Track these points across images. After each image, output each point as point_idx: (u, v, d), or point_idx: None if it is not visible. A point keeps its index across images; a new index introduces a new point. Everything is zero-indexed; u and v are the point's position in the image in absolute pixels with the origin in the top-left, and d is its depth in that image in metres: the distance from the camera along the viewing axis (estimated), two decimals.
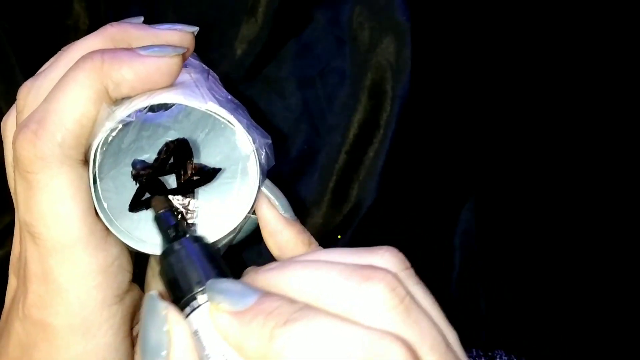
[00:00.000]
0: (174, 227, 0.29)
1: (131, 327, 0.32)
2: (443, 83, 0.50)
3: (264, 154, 0.30)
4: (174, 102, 0.28)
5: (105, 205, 0.29)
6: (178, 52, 0.29)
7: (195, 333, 0.25)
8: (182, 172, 0.31)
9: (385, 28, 0.48)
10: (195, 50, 0.33)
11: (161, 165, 0.31)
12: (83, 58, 0.29)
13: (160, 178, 0.32)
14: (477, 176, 0.50)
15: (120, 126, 0.28)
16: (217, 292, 0.25)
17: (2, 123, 0.33)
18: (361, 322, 0.23)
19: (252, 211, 0.31)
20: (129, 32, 0.31)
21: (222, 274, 0.27)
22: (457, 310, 0.48)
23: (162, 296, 0.26)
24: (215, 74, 0.36)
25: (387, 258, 0.27)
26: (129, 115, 0.28)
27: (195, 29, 0.32)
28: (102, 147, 0.29)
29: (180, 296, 0.27)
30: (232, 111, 0.29)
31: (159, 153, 0.31)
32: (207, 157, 0.32)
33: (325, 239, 0.47)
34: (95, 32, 0.31)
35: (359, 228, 0.47)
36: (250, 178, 0.30)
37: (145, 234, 0.31)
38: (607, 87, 0.51)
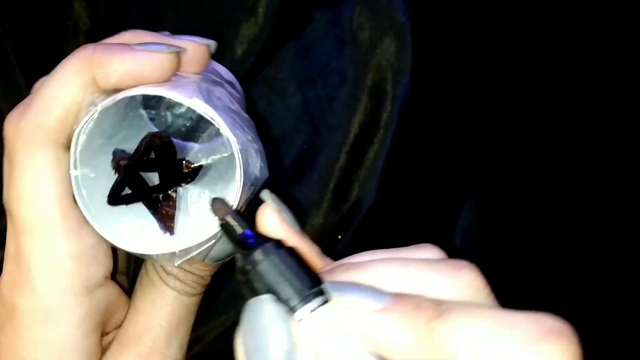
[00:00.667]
0: (250, 234, 0.25)
1: (99, 325, 0.31)
2: (443, 83, 0.50)
3: (258, 164, 0.30)
4: (156, 94, 0.28)
5: (84, 192, 0.29)
6: (173, 50, 0.29)
7: (318, 337, 0.22)
8: (163, 169, 0.31)
9: (386, 28, 0.48)
10: None
11: (140, 156, 0.30)
12: (78, 48, 0.29)
13: (143, 175, 0.31)
14: (477, 176, 0.50)
15: (100, 109, 0.28)
16: (349, 291, 0.22)
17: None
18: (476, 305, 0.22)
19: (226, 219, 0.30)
20: (142, 38, 0.31)
21: (318, 278, 0.24)
22: None
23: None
24: (239, 90, 0.36)
25: (437, 252, 0.25)
26: (114, 105, 0.28)
27: (209, 41, 0.32)
28: (83, 133, 0.28)
29: (286, 301, 0.23)
30: (222, 112, 0.29)
31: (139, 143, 0.30)
32: (195, 156, 0.32)
33: (326, 239, 0.47)
34: (111, 38, 0.31)
35: (359, 228, 0.47)
36: (235, 181, 0.29)
37: (123, 228, 0.30)
38: (607, 87, 0.51)
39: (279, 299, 0.23)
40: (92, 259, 0.30)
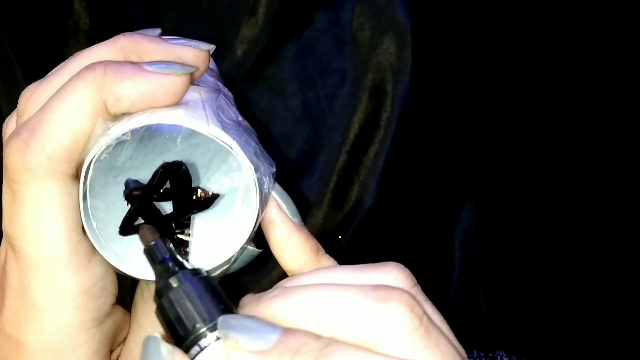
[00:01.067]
0: (168, 260, 0.26)
1: (109, 352, 0.30)
2: (444, 83, 0.50)
3: (266, 183, 0.29)
4: (174, 122, 0.27)
5: (94, 224, 0.28)
6: (186, 71, 0.28)
7: None
8: (178, 198, 0.30)
9: (386, 28, 0.48)
10: None
11: (155, 187, 0.29)
12: (85, 68, 0.27)
13: (155, 203, 0.30)
14: (477, 176, 0.50)
15: (114, 143, 0.27)
16: (233, 329, 0.23)
17: (3, 126, 0.31)
18: (385, 348, 0.22)
19: (250, 241, 0.30)
20: (141, 44, 0.29)
21: (228, 309, 0.25)
22: (458, 311, 0.48)
23: (163, 338, 0.24)
24: (229, 92, 0.35)
25: (395, 275, 0.25)
26: (124, 134, 0.27)
27: (212, 47, 0.30)
28: (94, 164, 0.27)
29: (184, 336, 0.24)
30: (237, 136, 0.28)
31: (154, 174, 0.29)
32: (207, 181, 0.31)
33: (326, 239, 0.47)
34: (106, 41, 0.29)
35: (359, 228, 0.47)
36: (251, 207, 0.29)
37: (134, 256, 0.29)
38: (607, 87, 0.51)
39: (180, 331, 0.24)
40: (102, 290, 0.29)
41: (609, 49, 0.52)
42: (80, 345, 0.28)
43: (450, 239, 0.50)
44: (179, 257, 0.27)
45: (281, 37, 0.49)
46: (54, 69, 0.31)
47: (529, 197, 0.50)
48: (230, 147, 0.27)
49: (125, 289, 0.33)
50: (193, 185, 0.30)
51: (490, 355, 0.46)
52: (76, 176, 0.28)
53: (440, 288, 0.48)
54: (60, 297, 0.28)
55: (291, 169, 0.47)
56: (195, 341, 0.24)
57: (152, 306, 0.31)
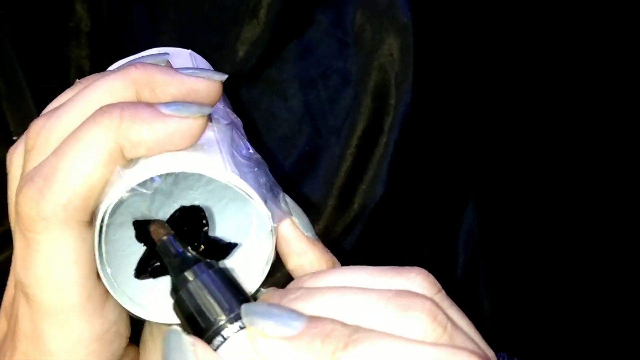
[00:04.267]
0: (182, 254, 0.26)
1: None
2: (446, 85, 0.50)
3: (280, 210, 0.29)
4: (194, 172, 0.26)
5: (108, 270, 0.27)
6: (203, 113, 0.27)
7: None
8: (194, 244, 0.29)
9: (388, 29, 0.48)
10: (196, 52, 0.33)
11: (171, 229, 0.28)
12: (100, 111, 0.26)
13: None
14: (480, 177, 0.50)
15: (126, 192, 0.26)
16: (259, 316, 0.23)
17: (8, 155, 0.31)
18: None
19: (259, 288, 0.29)
20: (153, 76, 0.28)
21: (247, 299, 0.25)
22: None
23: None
24: (238, 120, 0.34)
25: (419, 281, 0.25)
26: (142, 183, 0.26)
27: (224, 76, 0.29)
28: (110, 211, 0.26)
29: (205, 328, 0.24)
30: (254, 181, 0.28)
31: (170, 218, 0.28)
32: (220, 225, 0.30)
33: (328, 241, 0.47)
34: (117, 73, 0.28)
35: (362, 230, 0.47)
36: (263, 253, 0.29)
37: (147, 299, 0.29)
38: (607, 89, 0.51)
39: (201, 323, 0.24)
40: (116, 335, 0.29)
41: (609, 49, 0.51)
42: None
43: (453, 240, 0.50)
44: (192, 251, 0.26)
45: (282, 38, 0.49)
46: (61, 98, 0.30)
47: (531, 199, 0.50)
48: (249, 196, 0.27)
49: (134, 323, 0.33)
50: (209, 230, 0.29)
51: None
52: (91, 223, 0.27)
53: (443, 289, 0.48)
54: (74, 345, 0.27)
55: (293, 170, 0.47)
56: (218, 332, 0.24)
57: (160, 344, 0.31)
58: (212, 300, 0.24)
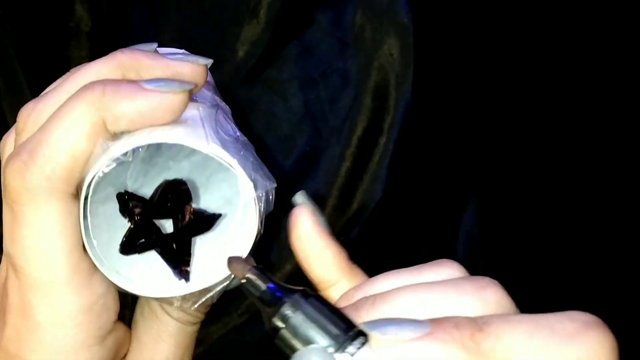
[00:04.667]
0: (273, 289, 0.25)
1: None
2: (446, 85, 0.50)
3: (264, 199, 0.28)
4: (175, 142, 0.27)
5: (94, 242, 0.28)
6: (184, 89, 0.27)
7: None
8: (179, 217, 0.29)
9: (388, 29, 0.48)
10: (196, 53, 0.32)
11: (156, 205, 0.29)
12: (84, 88, 0.27)
13: (156, 222, 0.30)
14: (480, 178, 0.50)
15: (114, 164, 0.26)
16: (388, 327, 0.22)
17: (1, 142, 0.31)
18: None
19: (250, 258, 0.29)
20: (139, 60, 0.29)
21: (350, 321, 0.23)
22: None
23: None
24: (226, 106, 0.35)
25: (457, 268, 0.25)
26: (125, 154, 0.26)
27: (209, 61, 0.30)
28: (94, 183, 0.27)
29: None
30: (236, 154, 0.28)
31: (155, 192, 0.29)
32: (206, 199, 0.31)
33: None
34: (104, 58, 0.29)
35: (362, 230, 0.47)
36: (250, 224, 0.28)
37: (135, 274, 0.29)
38: (607, 90, 0.51)
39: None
40: (103, 307, 0.29)
41: (609, 50, 0.51)
42: None
43: (452, 241, 0.50)
44: (280, 282, 0.25)
45: (283, 38, 0.49)
46: (52, 86, 0.31)
47: (531, 199, 0.50)
48: (230, 165, 0.27)
49: (125, 305, 0.33)
50: (193, 203, 0.29)
51: None
52: (76, 195, 0.28)
53: None
54: (61, 316, 0.28)
55: (293, 170, 0.47)
56: (341, 351, 0.22)
57: (152, 323, 0.31)
58: (319, 330, 0.23)
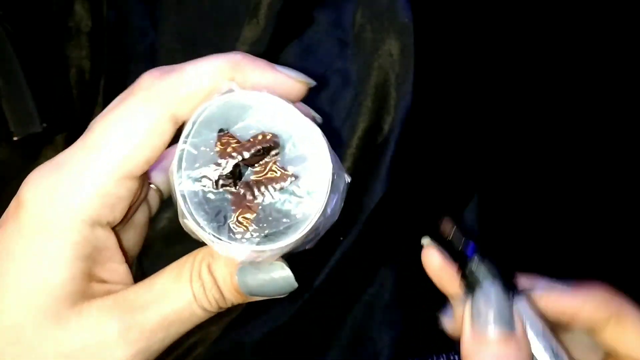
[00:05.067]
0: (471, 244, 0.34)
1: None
2: (446, 85, 0.50)
3: (342, 187, 0.31)
4: (289, 105, 0.30)
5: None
6: (308, 81, 0.31)
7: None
8: (263, 169, 0.31)
9: (388, 30, 0.48)
10: (196, 53, 0.32)
11: (248, 149, 0.30)
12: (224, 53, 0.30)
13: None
14: (480, 178, 0.50)
15: (233, 92, 0.29)
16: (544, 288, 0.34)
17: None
18: None
19: (311, 236, 0.31)
20: (254, 62, 0.32)
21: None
22: None
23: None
24: None
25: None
26: (237, 96, 0.29)
27: (312, 82, 0.32)
28: (207, 109, 0.29)
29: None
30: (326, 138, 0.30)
31: (254, 137, 0.30)
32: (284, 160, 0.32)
33: (329, 240, 0.47)
34: (222, 54, 0.32)
35: (363, 229, 0.47)
36: (318, 202, 0.30)
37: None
38: (607, 89, 0.51)
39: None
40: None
41: (609, 49, 0.51)
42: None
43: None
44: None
45: (283, 38, 0.49)
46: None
47: (531, 198, 0.50)
48: (320, 146, 0.30)
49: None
50: (279, 156, 0.31)
51: None
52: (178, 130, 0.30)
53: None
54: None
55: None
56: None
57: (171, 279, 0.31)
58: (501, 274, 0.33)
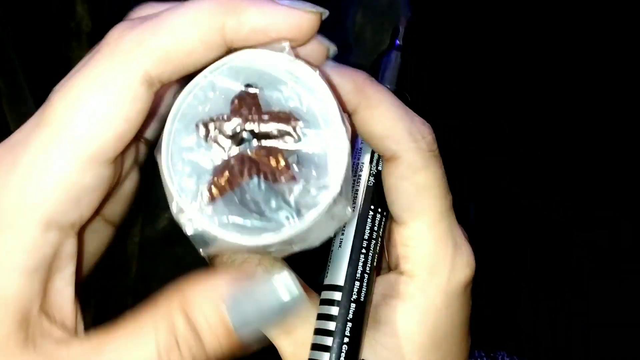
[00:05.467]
0: None
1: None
2: (446, 85, 0.50)
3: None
4: (304, 64, 0.25)
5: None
6: (318, 10, 0.25)
7: None
8: (267, 153, 0.26)
9: (388, 30, 0.48)
10: None
11: (267, 122, 0.26)
12: None
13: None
14: (478, 183, 0.50)
15: (232, 59, 0.25)
16: None
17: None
18: None
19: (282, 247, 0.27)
20: (244, 2, 0.25)
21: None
22: None
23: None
24: None
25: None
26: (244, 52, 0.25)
27: (324, 12, 0.26)
28: (210, 72, 0.25)
29: None
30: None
31: (276, 112, 0.26)
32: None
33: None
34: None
35: None
36: (336, 176, 0.26)
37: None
38: (606, 91, 0.51)
39: None
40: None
41: (609, 50, 0.52)
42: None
43: None
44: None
45: None
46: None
47: (529, 202, 0.50)
48: (334, 107, 0.26)
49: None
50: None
51: (492, 355, 0.47)
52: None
53: None
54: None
55: None
56: None
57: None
58: None
